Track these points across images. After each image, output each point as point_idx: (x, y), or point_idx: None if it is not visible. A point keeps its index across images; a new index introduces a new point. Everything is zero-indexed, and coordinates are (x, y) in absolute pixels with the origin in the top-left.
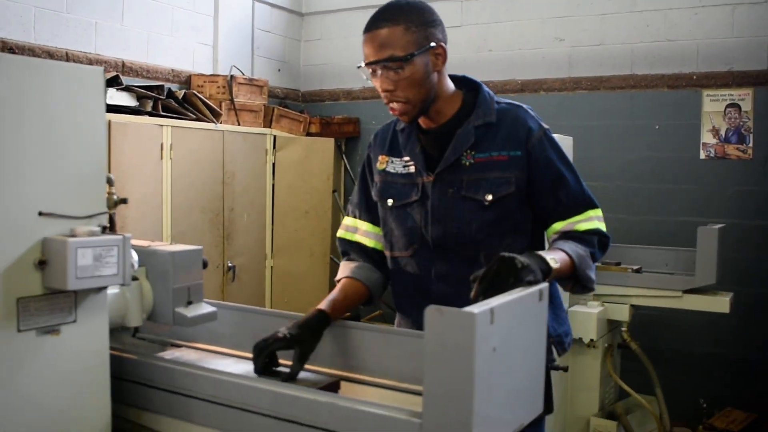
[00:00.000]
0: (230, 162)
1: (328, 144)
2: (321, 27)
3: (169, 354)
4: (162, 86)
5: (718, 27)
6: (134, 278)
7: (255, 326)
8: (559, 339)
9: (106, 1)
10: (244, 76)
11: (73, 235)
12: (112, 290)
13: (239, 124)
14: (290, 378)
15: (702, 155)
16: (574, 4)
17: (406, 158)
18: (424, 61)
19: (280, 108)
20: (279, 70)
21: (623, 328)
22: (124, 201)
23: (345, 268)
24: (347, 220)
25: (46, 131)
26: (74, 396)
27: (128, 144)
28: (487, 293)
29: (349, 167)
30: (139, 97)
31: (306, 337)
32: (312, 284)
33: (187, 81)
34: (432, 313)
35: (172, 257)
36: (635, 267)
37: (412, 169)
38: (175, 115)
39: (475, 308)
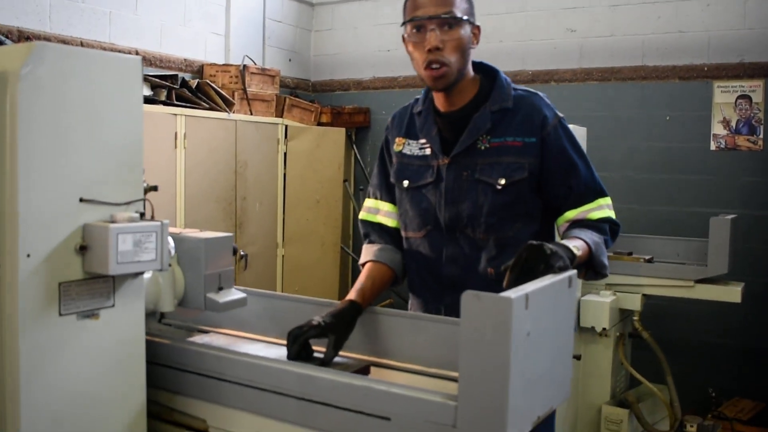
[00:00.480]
0: (243, 151)
1: (339, 134)
2: (331, 17)
3: (198, 339)
4: (176, 75)
5: (729, 18)
6: None
7: (279, 312)
8: None
9: None
10: (256, 66)
11: (113, 221)
12: (146, 275)
13: (251, 114)
14: (324, 364)
15: (713, 146)
16: None
17: (423, 141)
18: (470, 31)
19: (292, 98)
20: (290, 60)
21: (635, 318)
22: (154, 188)
23: (368, 252)
24: (368, 202)
25: (87, 119)
26: (111, 379)
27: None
28: (518, 281)
29: (359, 157)
30: (153, 87)
31: (340, 325)
32: (323, 273)
33: (199, 70)
34: (469, 298)
35: (204, 244)
36: (647, 257)
37: (428, 151)
38: (188, 105)
39: (512, 293)
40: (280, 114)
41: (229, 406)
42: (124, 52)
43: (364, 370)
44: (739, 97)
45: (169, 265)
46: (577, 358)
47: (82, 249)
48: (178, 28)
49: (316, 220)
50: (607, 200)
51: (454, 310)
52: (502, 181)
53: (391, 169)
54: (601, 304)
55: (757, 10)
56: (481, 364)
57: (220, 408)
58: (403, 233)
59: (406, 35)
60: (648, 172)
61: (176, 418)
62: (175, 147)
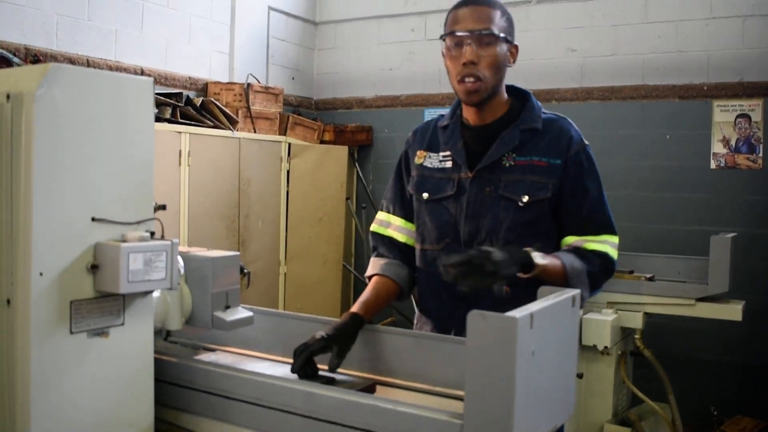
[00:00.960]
0: (246, 169)
1: (341, 152)
2: (334, 36)
3: (205, 357)
4: (180, 93)
5: (728, 38)
6: None
7: (284, 330)
8: None
9: (125, 8)
10: (260, 84)
11: (124, 241)
12: (155, 294)
13: (255, 132)
14: (330, 371)
15: (712, 165)
16: (587, 15)
17: (445, 153)
18: (507, 50)
19: (295, 116)
20: (293, 79)
21: (636, 336)
22: (163, 207)
23: (375, 265)
24: (381, 215)
25: (100, 140)
26: (120, 397)
27: None
28: (463, 281)
29: (362, 175)
30: (158, 104)
31: (342, 337)
32: (325, 291)
33: (203, 88)
34: (474, 317)
35: (212, 263)
36: (648, 275)
37: (449, 164)
38: (193, 123)
39: (517, 313)
40: (283, 132)
41: (236, 424)
42: (130, 70)
43: (369, 388)
44: (738, 116)
45: (178, 283)
46: (579, 376)
47: (94, 268)
48: (183, 47)
49: (319, 237)
50: (614, 238)
51: (465, 327)
52: (525, 199)
53: (409, 183)
54: (602, 323)
55: (755, 30)
56: (487, 383)
57: (227, 426)
58: (419, 246)
59: (444, 49)
60: (648, 190)
61: None
62: (179, 164)
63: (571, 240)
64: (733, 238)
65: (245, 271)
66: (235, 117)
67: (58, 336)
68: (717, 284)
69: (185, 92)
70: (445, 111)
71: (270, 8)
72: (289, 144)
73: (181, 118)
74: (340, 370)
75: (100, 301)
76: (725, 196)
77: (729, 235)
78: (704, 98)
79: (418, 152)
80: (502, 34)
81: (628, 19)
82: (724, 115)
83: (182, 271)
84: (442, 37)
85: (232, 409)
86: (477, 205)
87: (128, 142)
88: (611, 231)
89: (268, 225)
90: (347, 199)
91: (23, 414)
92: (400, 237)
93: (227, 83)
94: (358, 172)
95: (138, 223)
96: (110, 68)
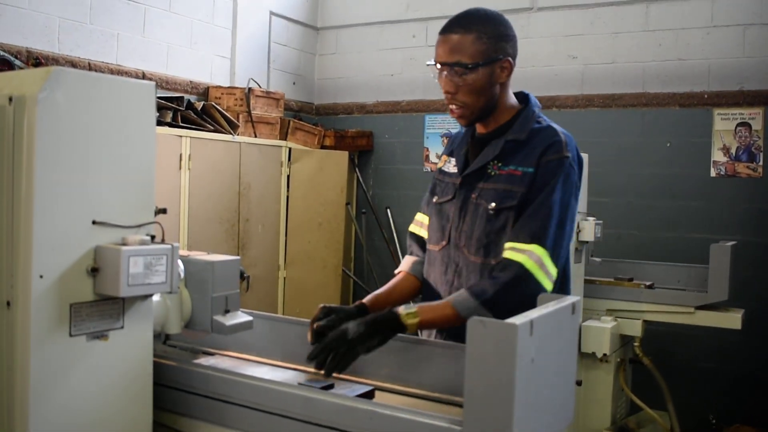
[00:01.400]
0: (246, 173)
1: (342, 157)
2: (336, 41)
3: (204, 361)
4: (182, 97)
5: (729, 47)
6: None
7: (283, 335)
8: None
9: (127, 13)
10: (261, 89)
11: (124, 244)
12: (155, 298)
13: (256, 136)
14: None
15: (713, 173)
16: (588, 23)
17: (455, 159)
18: (489, 71)
19: (296, 121)
20: (294, 84)
21: (636, 343)
22: (163, 211)
23: (405, 262)
24: (417, 215)
25: (101, 143)
26: (118, 401)
27: None
28: (328, 369)
29: (362, 180)
30: (159, 108)
31: (342, 312)
32: (324, 296)
33: (204, 93)
34: (474, 323)
35: (212, 267)
36: (648, 283)
37: (455, 170)
38: (194, 126)
39: (517, 320)
40: (283, 137)
41: (235, 428)
42: (131, 74)
43: (368, 394)
44: (738, 125)
45: (178, 289)
46: (578, 383)
47: (94, 271)
48: (185, 51)
49: (318, 242)
50: (540, 252)
51: (455, 330)
52: (492, 206)
53: (431, 185)
54: (601, 330)
55: (756, 39)
56: (486, 390)
57: (226, 430)
58: (427, 246)
59: None
60: (649, 198)
61: None
62: (180, 168)
63: (506, 245)
64: (732, 246)
65: (245, 275)
66: (235, 121)
67: (57, 338)
68: (716, 292)
69: (186, 96)
70: (445, 117)
71: (272, 13)
72: (290, 149)
73: (182, 122)
74: (340, 375)
75: (100, 304)
76: (725, 204)
77: (729, 243)
78: (705, 106)
79: (443, 157)
80: (477, 62)
81: (629, 27)
82: (724, 123)
83: (182, 275)
84: (428, 64)
85: (230, 414)
86: (462, 211)
87: (130, 145)
88: (541, 244)
89: (267, 229)
90: (347, 204)
91: (22, 416)
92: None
93: (228, 87)
94: (358, 177)
95: (138, 226)
96: (112, 72)
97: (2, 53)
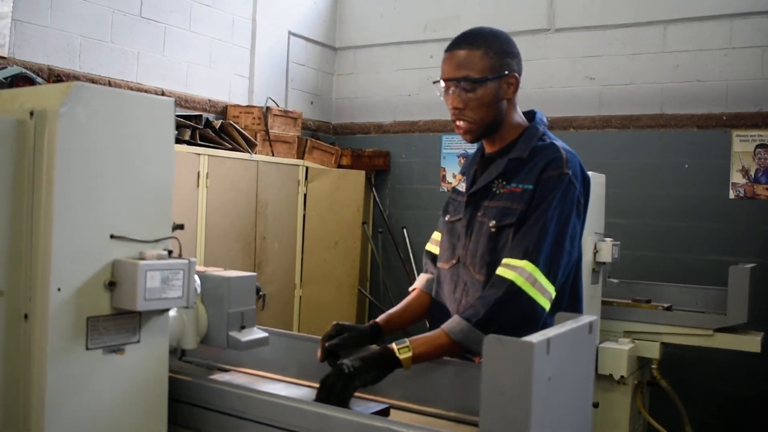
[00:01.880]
0: (263, 192)
1: (358, 176)
2: (353, 61)
3: (219, 377)
4: (200, 116)
5: (747, 68)
6: None
7: (299, 352)
8: None
9: (148, 32)
10: (279, 108)
11: (142, 258)
12: (171, 313)
13: (273, 155)
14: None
15: (731, 195)
16: (605, 44)
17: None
18: (496, 86)
19: (313, 140)
20: (312, 103)
21: (653, 366)
22: (181, 227)
23: (420, 280)
24: (435, 234)
25: (121, 157)
26: (133, 415)
27: None
28: (329, 399)
29: (378, 200)
30: (178, 126)
31: (354, 331)
32: (339, 315)
33: (223, 111)
34: (491, 342)
35: (228, 283)
36: (666, 305)
37: (464, 189)
38: (212, 145)
39: (534, 338)
40: (301, 155)
41: None
42: (151, 92)
43: (384, 412)
44: (757, 146)
45: (194, 302)
46: (595, 405)
47: (111, 285)
48: (204, 70)
49: (334, 261)
50: (533, 269)
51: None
52: (493, 223)
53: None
54: (619, 352)
55: None
56: (503, 409)
57: None
58: (437, 264)
59: None
60: (667, 219)
61: None
62: (198, 186)
63: (502, 261)
64: (752, 268)
65: (261, 293)
66: (253, 140)
67: (74, 352)
68: (735, 315)
69: (205, 115)
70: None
71: (290, 33)
72: (307, 168)
73: (200, 140)
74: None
75: (117, 318)
76: (744, 226)
77: (748, 265)
78: (723, 128)
79: (457, 176)
80: (485, 77)
81: (647, 48)
82: (743, 145)
83: (199, 290)
84: (434, 81)
85: (245, 430)
86: (469, 229)
87: (149, 161)
88: (533, 260)
89: (284, 247)
90: (364, 223)
91: (38, 428)
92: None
93: (246, 106)
94: (375, 196)
95: (156, 241)
96: (132, 90)
97: (24, 71)
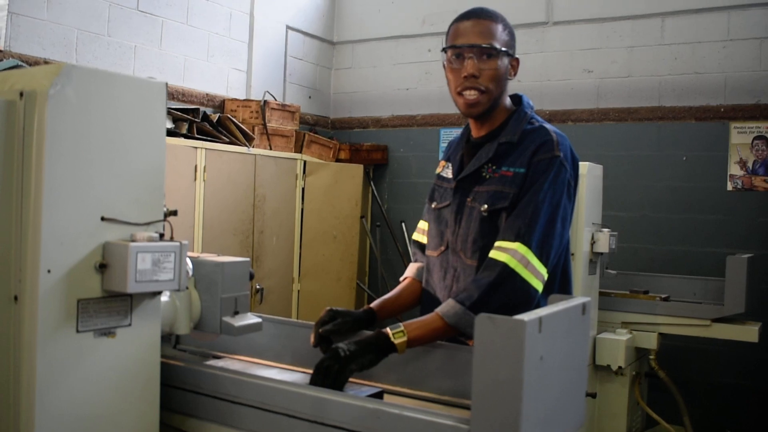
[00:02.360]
0: (261, 185)
1: (357, 170)
2: (351, 56)
3: (213, 363)
4: (197, 109)
5: (745, 60)
6: None
7: (294, 339)
8: None
9: (145, 25)
10: (276, 102)
11: (133, 240)
12: (163, 298)
13: (271, 149)
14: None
15: (729, 186)
16: (603, 36)
17: (451, 164)
18: (507, 63)
19: (311, 134)
20: (310, 97)
21: (651, 356)
22: (174, 213)
23: (410, 269)
24: (420, 223)
25: (111, 140)
26: (125, 398)
27: None
28: (324, 383)
29: (377, 194)
30: (175, 120)
31: (348, 316)
32: None
33: (220, 105)
34: (482, 321)
35: (221, 268)
36: (663, 295)
37: (451, 174)
38: (209, 138)
39: (525, 316)
40: (299, 149)
41: (243, 429)
42: None
43: (377, 395)
44: (755, 138)
45: (186, 287)
46: (593, 396)
47: (102, 267)
48: (201, 64)
49: (333, 255)
50: (526, 251)
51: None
52: (485, 207)
53: (430, 191)
54: (616, 342)
55: None
56: (494, 387)
57: (233, 431)
58: (426, 252)
59: (445, 61)
60: (665, 212)
61: None
62: (195, 179)
63: (495, 244)
64: (749, 258)
65: (258, 287)
66: (251, 134)
67: (64, 334)
68: (733, 305)
69: (202, 108)
70: (460, 131)
71: (288, 27)
72: (305, 161)
73: (197, 134)
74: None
75: (108, 301)
76: (742, 218)
77: (745, 255)
78: (721, 120)
79: (441, 162)
80: (503, 48)
81: (645, 40)
82: (741, 136)
83: (191, 273)
84: (444, 50)
85: (239, 414)
86: (458, 215)
87: (140, 143)
88: (525, 242)
89: (282, 242)
90: (362, 217)
91: (28, 411)
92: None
93: (244, 100)
94: (373, 191)
95: (147, 224)
96: None
97: (20, 63)
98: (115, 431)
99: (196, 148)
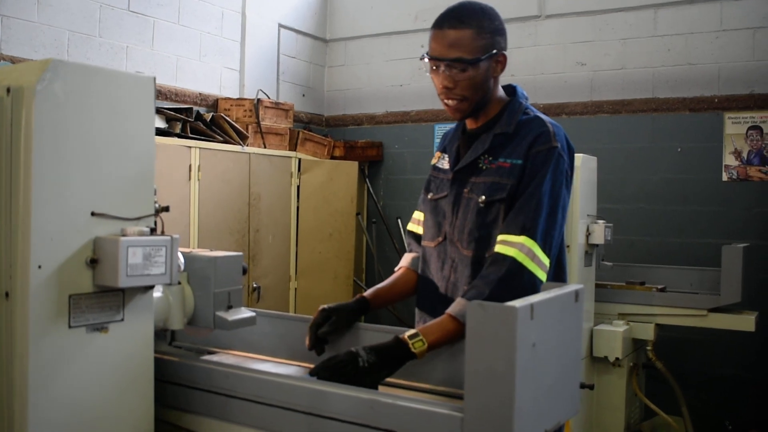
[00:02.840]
0: (256, 184)
1: (351, 167)
2: (344, 53)
3: (207, 358)
4: (191, 109)
5: (738, 50)
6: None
7: (289, 334)
8: None
9: (136, 26)
10: (270, 100)
11: (124, 235)
12: (156, 293)
13: (265, 147)
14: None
15: (724, 177)
16: (596, 29)
17: (448, 155)
18: (486, 66)
19: (305, 132)
20: (303, 95)
21: (648, 347)
22: (166, 209)
23: (405, 259)
24: (415, 214)
25: (100, 134)
26: (119, 393)
27: (157, 165)
28: (327, 376)
29: (372, 190)
30: (169, 120)
31: (342, 311)
32: None
33: (214, 105)
34: (474, 308)
35: (214, 262)
36: (660, 286)
37: (448, 166)
38: (203, 138)
39: (517, 303)
40: (293, 147)
41: (237, 423)
42: None
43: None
44: (750, 128)
45: (179, 282)
46: (591, 387)
47: (93, 262)
48: (194, 63)
49: (329, 253)
50: (531, 243)
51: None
52: (482, 198)
53: (426, 181)
54: (613, 334)
55: (765, 42)
56: (487, 374)
57: (229, 425)
58: (422, 243)
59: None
60: (660, 203)
61: None
62: (189, 179)
63: (498, 237)
64: (744, 248)
65: (255, 285)
66: (245, 132)
67: (56, 330)
68: (729, 294)
69: (195, 108)
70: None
71: (280, 26)
72: (300, 159)
73: (191, 134)
74: None
75: (100, 296)
76: (737, 209)
77: (741, 245)
78: (715, 110)
79: (436, 153)
80: (477, 57)
81: (638, 32)
82: (735, 127)
83: (182, 267)
84: (422, 58)
85: (233, 408)
86: (455, 206)
87: (128, 138)
88: (531, 236)
89: (278, 240)
90: (358, 214)
91: (21, 407)
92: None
93: (237, 99)
94: (368, 187)
95: (138, 219)
96: None
97: (11, 65)
98: (109, 427)
99: (190, 147)
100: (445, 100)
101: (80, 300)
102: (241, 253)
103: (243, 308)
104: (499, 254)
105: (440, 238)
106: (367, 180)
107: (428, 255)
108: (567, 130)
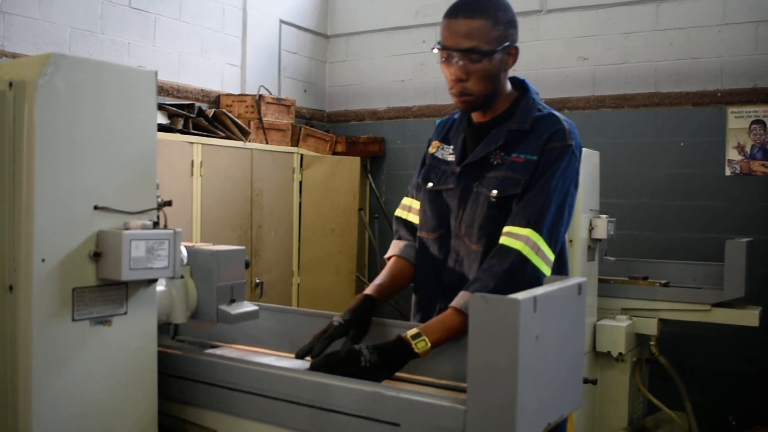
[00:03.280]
0: (258, 180)
1: (354, 163)
2: (346, 49)
3: (211, 352)
4: (192, 105)
5: (741, 44)
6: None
7: (293, 328)
8: None
9: (138, 22)
10: (272, 96)
11: (127, 228)
12: (159, 287)
13: (267, 143)
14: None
15: (727, 172)
16: (598, 23)
17: (452, 147)
18: (500, 58)
19: (307, 127)
20: (305, 91)
21: (651, 342)
22: (168, 203)
23: (395, 247)
24: (405, 200)
25: (102, 129)
26: (122, 386)
27: (159, 161)
28: (326, 368)
29: (374, 186)
30: (171, 116)
31: (358, 321)
32: (338, 301)
33: (216, 101)
34: (477, 300)
35: (216, 256)
36: (663, 281)
37: (452, 157)
38: (205, 133)
39: (520, 295)
40: (295, 143)
41: (241, 416)
42: None
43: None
44: (753, 123)
45: (182, 276)
46: (594, 382)
47: (96, 256)
48: (196, 59)
49: (331, 248)
50: (536, 237)
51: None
52: (494, 193)
53: (423, 170)
54: (617, 329)
55: None
56: (490, 367)
57: (232, 418)
58: (418, 232)
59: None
60: (663, 198)
61: (188, 429)
62: (192, 175)
63: (504, 229)
64: (748, 242)
65: (258, 281)
66: (247, 128)
67: (60, 323)
68: (732, 289)
69: (197, 104)
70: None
71: (281, 21)
72: (302, 155)
73: (193, 129)
74: None
75: (103, 290)
76: (740, 203)
77: (744, 239)
78: (718, 105)
79: (434, 142)
80: (494, 47)
81: (640, 26)
82: (738, 121)
83: (185, 261)
84: (434, 48)
85: (236, 401)
86: (463, 200)
87: (131, 131)
88: (537, 229)
89: (280, 235)
90: (360, 209)
91: (25, 401)
92: (418, 221)
93: (239, 95)
94: (370, 183)
95: (141, 212)
96: None
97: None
98: (112, 420)
99: (192, 143)
100: (455, 92)
101: (84, 293)
102: (243, 247)
103: (246, 302)
104: (503, 246)
105: (442, 231)
106: (369, 175)
107: (426, 246)
108: None
